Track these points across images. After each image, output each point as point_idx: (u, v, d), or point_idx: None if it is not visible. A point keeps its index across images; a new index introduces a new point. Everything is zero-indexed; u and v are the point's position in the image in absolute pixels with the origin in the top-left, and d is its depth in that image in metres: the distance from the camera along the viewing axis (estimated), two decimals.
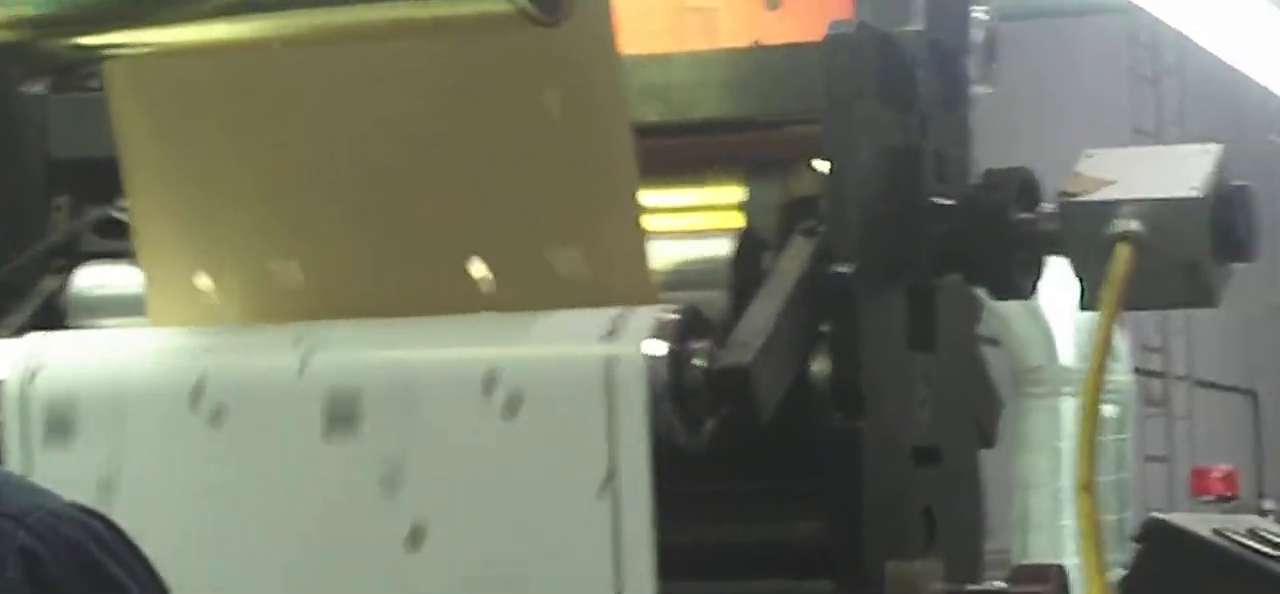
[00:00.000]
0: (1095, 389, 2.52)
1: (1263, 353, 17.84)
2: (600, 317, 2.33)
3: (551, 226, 2.43)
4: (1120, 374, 9.54)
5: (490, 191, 2.44)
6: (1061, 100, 13.02)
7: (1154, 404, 17.23)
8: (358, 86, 2.43)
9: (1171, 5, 9.32)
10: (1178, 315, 17.72)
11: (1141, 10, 9.55)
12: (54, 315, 2.61)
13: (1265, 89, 10.76)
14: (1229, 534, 2.49)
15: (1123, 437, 9.93)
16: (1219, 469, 11.43)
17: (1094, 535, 2.39)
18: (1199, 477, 11.73)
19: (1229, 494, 12.06)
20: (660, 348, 2.29)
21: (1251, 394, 18.05)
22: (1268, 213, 2.55)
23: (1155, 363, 17.44)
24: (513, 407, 2.35)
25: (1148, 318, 17.28)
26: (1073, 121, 13.98)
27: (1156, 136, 14.42)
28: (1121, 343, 9.59)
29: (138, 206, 2.50)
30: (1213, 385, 17.94)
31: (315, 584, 2.40)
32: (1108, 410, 9.65)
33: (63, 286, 2.62)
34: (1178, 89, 15.25)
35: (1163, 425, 17.08)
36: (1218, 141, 2.64)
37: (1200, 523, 2.54)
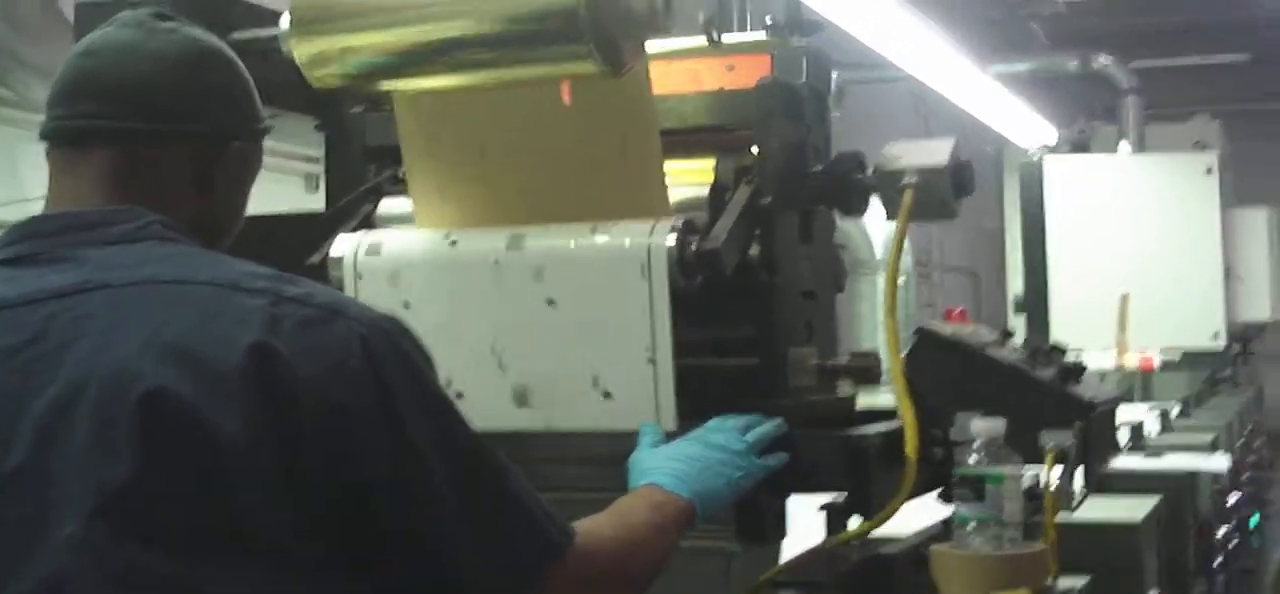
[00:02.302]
0: (894, 266, 2.36)
1: (979, 250, 17.58)
2: (646, 224, 2.21)
3: (620, 185, 2.28)
4: (907, 260, 9.41)
5: (593, 162, 2.29)
6: (878, 121, 12.86)
7: (924, 277, 17.02)
8: (511, 106, 2.29)
9: (932, 78, 9.13)
10: (937, 230, 17.52)
11: (918, 79, 9.35)
12: (369, 224, 2.46)
13: (979, 120, 10.55)
14: (962, 336, 2.36)
15: (908, 293, 9.76)
16: (957, 309, 11.22)
17: (893, 341, 2.25)
18: (948, 313, 11.54)
19: (961, 323, 11.94)
20: (673, 239, 2.18)
21: (974, 273, 17.85)
22: (977, 174, 2.43)
23: (925, 257, 17.22)
24: (606, 257, 2.22)
25: (923, 233, 17.09)
26: (883, 132, 13.85)
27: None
28: (908, 244, 9.46)
29: (409, 167, 2.38)
30: (954, 268, 17.71)
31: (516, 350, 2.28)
32: (900, 280, 9.52)
33: (373, 210, 2.49)
34: (937, 118, 15.12)
35: (928, 288, 16.88)
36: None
37: (944, 329, 2.40)
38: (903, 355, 2.26)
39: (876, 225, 9.22)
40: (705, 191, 2.34)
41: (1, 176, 7.21)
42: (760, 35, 2.55)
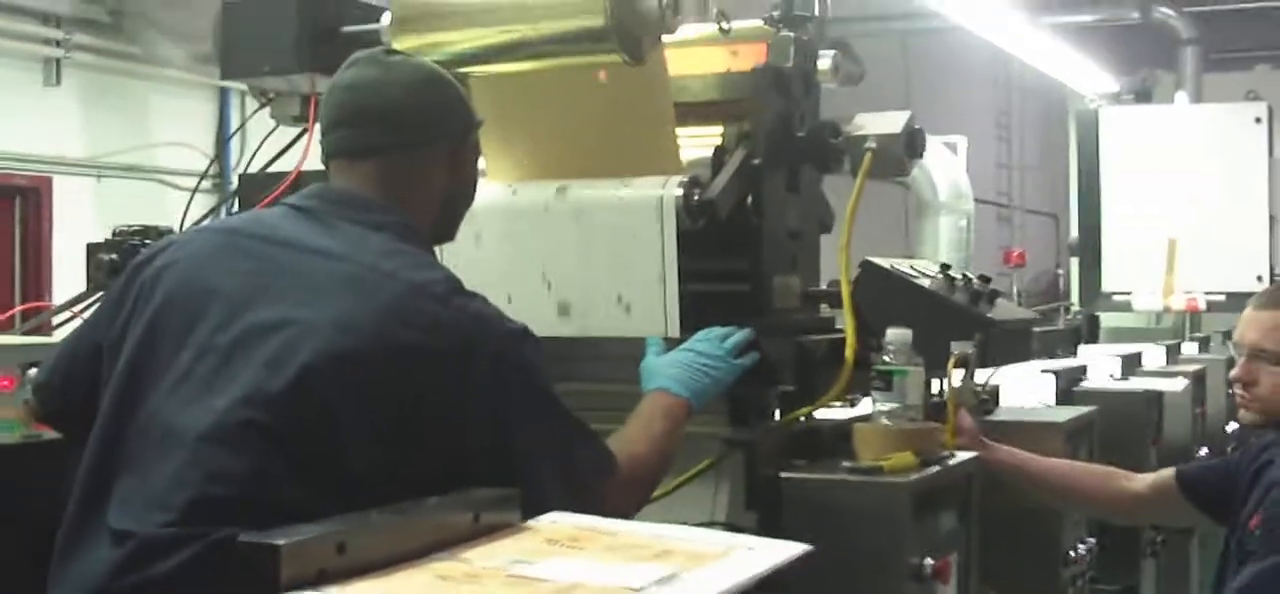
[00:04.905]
0: (852, 212, 2.85)
1: (1059, 196, 17.64)
2: (659, 180, 2.74)
3: (641, 148, 2.82)
4: (967, 203, 9.87)
5: (614, 133, 2.84)
6: (957, 75, 13.22)
7: (1004, 219, 17.31)
8: (560, 86, 2.87)
9: (989, 31, 9.49)
10: (1019, 175, 17.73)
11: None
12: None
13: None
14: (897, 268, 2.86)
15: (969, 234, 10.20)
16: (1016, 251, 11.71)
17: (845, 271, 2.79)
18: (1008, 255, 12.00)
19: (1020, 264, 12.33)
20: (680, 191, 2.70)
21: (1055, 216, 17.98)
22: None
23: (1007, 199, 17.46)
24: (628, 204, 2.76)
25: (1005, 177, 17.33)
26: (959, 86, 14.20)
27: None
28: (968, 185, 9.88)
29: (483, 133, 2.69)
30: (1035, 211, 17.96)
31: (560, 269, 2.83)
32: (961, 223, 10.01)
33: None
34: (1013, 72, 15.24)
35: (1008, 230, 17.15)
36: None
37: (883, 263, 2.87)
38: (852, 282, 2.87)
39: (939, 171, 9.75)
40: (708, 151, 2.93)
41: (132, 125, 8.16)
42: (759, 24, 3.12)
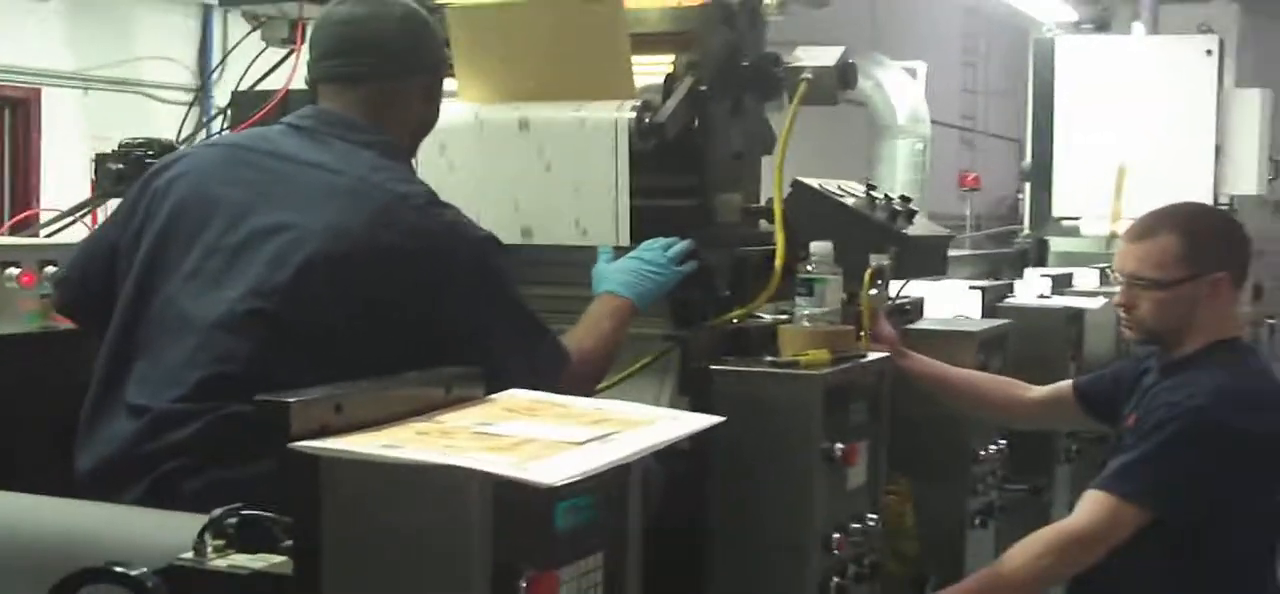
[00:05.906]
0: (785, 137, 3.14)
1: (1024, 122, 17.76)
2: (614, 103, 3.02)
3: (600, 73, 3.08)
4: (923, 127, 10.16)
5: (575, 61, 3.09)
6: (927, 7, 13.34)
7: (967, 143, 17.57)
8: (527, 17, 3.16)
9: None
10: (983, 101, 17.99)
11: None
12: None
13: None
14: (825, 188, 3.22)
15: (925, 157, 10.50)
16: (971, 175, 11.98)
17: (779, 189, 3.07)
18: (962, 178, 12.28)
19: (974, 187, 12.65)
20: (632, 115, 2.98)
21: (1018, 141, 18.11)
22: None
23: (970, 124, 17.73)
24: (586, 126, 3.03)
25: (969, 102, 17.60)
26: (929, 18, 14.38)
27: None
28: (926, 109, 10.17)
29: (456, 58, 3.19)
30: (997, 136, 18.21)
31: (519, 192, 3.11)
32: (918, 146, 10.31)
33: None
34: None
35: (970, 154, 17.40)
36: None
37: (812, 182, 3.16)
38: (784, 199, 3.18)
39: (898, 95, 10.05)
40: (660, 78, 3.19)
41: (118, 39, 8.46)
42: None
